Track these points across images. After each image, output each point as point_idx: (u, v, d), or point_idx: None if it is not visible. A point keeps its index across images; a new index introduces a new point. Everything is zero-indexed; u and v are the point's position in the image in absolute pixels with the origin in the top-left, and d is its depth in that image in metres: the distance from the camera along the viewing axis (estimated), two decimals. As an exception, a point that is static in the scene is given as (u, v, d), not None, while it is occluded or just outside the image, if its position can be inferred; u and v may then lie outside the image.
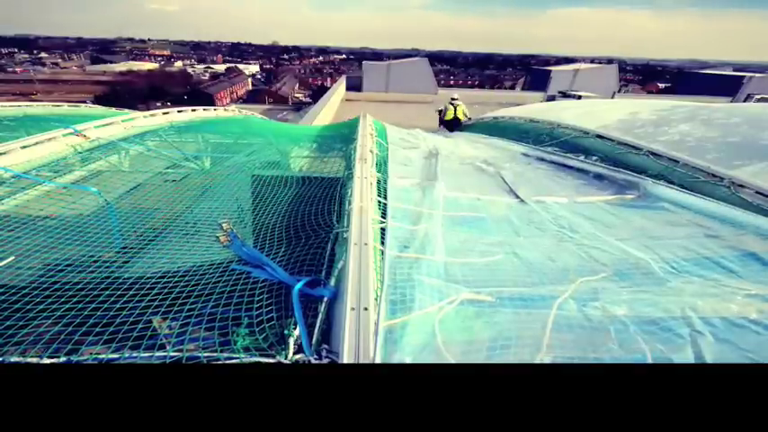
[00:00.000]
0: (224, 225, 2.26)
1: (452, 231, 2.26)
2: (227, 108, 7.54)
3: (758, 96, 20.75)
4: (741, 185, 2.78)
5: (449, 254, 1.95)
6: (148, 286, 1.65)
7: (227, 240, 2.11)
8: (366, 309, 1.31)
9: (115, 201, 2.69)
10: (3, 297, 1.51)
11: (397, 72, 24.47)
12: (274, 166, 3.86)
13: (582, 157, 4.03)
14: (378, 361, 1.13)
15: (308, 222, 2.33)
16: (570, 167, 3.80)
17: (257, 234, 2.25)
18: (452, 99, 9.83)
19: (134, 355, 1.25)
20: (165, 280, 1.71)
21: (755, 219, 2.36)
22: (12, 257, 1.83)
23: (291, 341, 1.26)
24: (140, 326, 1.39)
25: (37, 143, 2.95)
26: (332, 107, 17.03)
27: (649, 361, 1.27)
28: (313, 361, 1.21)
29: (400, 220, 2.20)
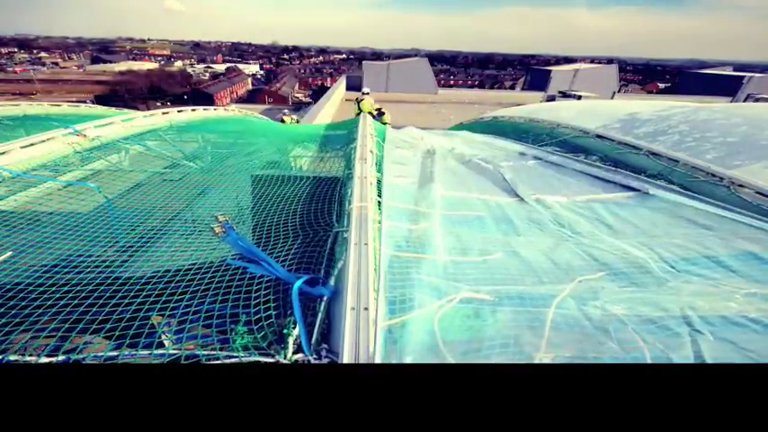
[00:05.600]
0: (219, 217, 2.23)
1: (452, 230, 2.26)
2: (227, 108, 7.55)
3: (758, 96, 20.77)
4: (741, 185, 2.78)
5: (448, 253, 1.95)
6: (147, 284, 1.65)
7: (222, 231, 2.10)
8: (366, 309, 1.31)
9: (115, 200, 2.69)
10: (1, 294, 1.51)
11: (397, 72, 24.51)
12: (274, 166, 3.86)
13: (582, 157, 4.03)
14: (377, 361, 1.13)
15: (308, 222, 2.32)
16: (570, 167, 3.80)
17: (256, 234, 2.25)
18: (364, 93, 10.05)
19: (132, 352, 1.25)
20: (165, 278, 1.71)
21: (755, 219, 2.36)
22: (9, 252, 1.83)
23: (291, 340, 1.26)
24: (138, 323, 1.39)
25: (37, 143, 2.96)
26: (332, 107, 17.03)
27: (648, 360, 1.26)
28: (312, 361, 1.21)
29: (400, 220, 2.20)
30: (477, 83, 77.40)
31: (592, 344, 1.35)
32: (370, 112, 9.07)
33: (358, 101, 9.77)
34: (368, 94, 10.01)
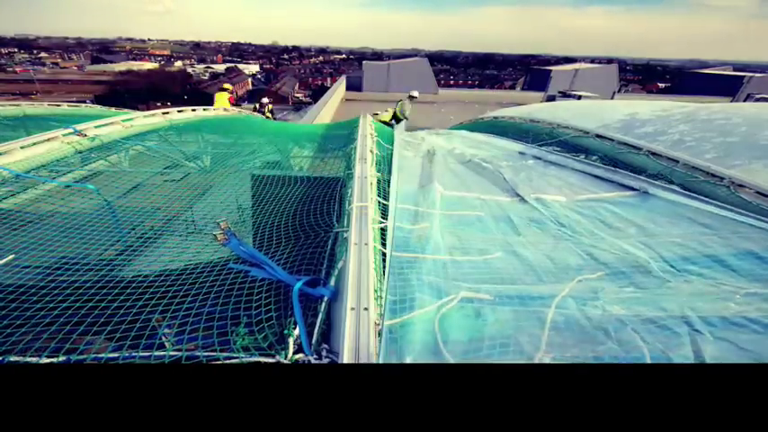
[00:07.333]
0: (221, 224, 2.25)
1: (452, 230, 2.26)
2: (227, 108, 7.55)
3: (758, 96, 20.77)
4: (741, 185, 2.78)
5: (448, 253, 1.95)
6: (147, 285, 1.65)
7: (225, 239, 2.11)
8: (366, 309, 1.31)
9: (115, 200, 2.70)
10: (2, 296, 1.51)
11: (397, 72, 24.48)
12: (274, 166, 3.87)
13: (582, 157, 4.03)
14: (378, 361, 1.13)
15: (308, 222, 2.33)
16: (570, 167, 3.80)
17: (257, 234, 2.25)
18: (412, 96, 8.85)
19: (133, 354, 1.25)
20: (165, 279, 1.71)
21: (755, 219, 2.36)
22: (11, 256, 1.83)
23: (291, 341, 1.26)
24: (139, 325, 1.39)
25: (37, 143, 2.96)
26: (332, 107, 17.03)
27: (648, 360, 1.27)
28: (313, 361, 1.22)
29: (400, 220, 2.20)
30: (477, 83, 77.31)
31: (592, 344, 1.35)
32: (395, 117, 8.06)
33: (399, 107, 8.21)
34: (416, 97, 8.62)
